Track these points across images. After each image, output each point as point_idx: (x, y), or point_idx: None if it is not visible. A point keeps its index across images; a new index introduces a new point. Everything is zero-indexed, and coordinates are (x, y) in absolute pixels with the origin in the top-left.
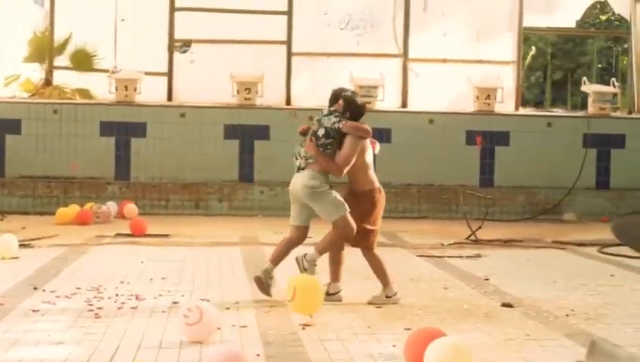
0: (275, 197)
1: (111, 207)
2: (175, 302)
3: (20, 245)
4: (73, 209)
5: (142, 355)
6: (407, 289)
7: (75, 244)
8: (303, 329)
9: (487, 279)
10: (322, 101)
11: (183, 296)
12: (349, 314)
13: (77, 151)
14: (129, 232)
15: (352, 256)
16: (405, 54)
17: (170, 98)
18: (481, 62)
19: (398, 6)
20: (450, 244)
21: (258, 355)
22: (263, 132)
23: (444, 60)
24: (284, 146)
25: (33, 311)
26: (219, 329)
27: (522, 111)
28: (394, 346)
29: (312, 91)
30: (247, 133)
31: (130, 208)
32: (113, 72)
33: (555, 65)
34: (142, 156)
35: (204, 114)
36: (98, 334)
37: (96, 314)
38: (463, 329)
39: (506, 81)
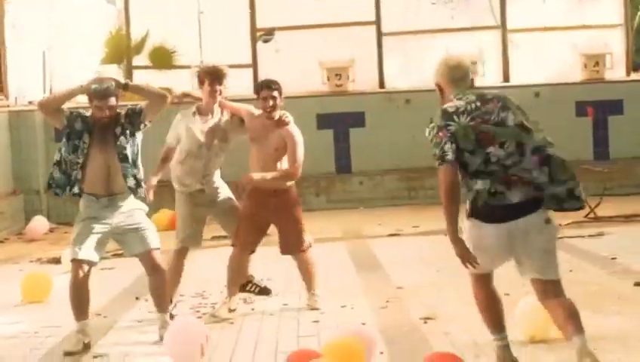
0: (376, 187)
1: None
2: (285, 304)
3: (112, 255)
4: (165, 214)
5: None
6: None
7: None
8: (425, 323)
9: (614, 258)
10: (417, 82)
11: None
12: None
13: None
14: (225, 234)
15: None
16: (504, 25)
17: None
18: (585, 27)
19: None
20: (568, 224)
21: (382, 353)
22: (358, 119)
23: (546, 28)
24: (382, 133)
25: (139, 321)
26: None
27: (635, 76)
28: None
29: (407, 72)
30: (341, 122)
31: None
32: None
33: None
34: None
35: (294, 104)
36: (210, 341)
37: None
38: (597, 314)
39: (615, 46)
